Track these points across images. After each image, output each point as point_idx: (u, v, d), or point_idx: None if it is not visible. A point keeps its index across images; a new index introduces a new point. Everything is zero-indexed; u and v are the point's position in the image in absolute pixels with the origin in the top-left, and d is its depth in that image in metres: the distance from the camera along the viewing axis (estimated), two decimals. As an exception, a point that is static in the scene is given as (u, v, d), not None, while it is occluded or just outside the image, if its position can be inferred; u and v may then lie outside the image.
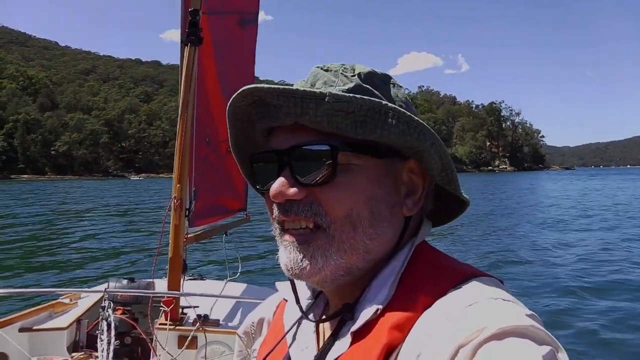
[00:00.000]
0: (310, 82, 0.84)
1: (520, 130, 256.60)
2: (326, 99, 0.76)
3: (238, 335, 1.14)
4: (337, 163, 0.79)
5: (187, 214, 4.17)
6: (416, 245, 0.85)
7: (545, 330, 0.65)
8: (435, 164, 0.85)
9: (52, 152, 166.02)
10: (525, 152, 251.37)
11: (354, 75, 0.85)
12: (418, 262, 0.82)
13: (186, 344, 3.71)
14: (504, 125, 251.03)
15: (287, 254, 0.82)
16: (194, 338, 3.76)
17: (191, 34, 4.11)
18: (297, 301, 0.92)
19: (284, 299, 1.02)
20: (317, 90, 0.77)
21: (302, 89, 0.77)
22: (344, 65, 0.86)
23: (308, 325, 0.92)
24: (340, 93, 0.77)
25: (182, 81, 4.11)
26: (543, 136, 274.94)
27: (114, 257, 15.62)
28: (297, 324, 0.93)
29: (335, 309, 0.87)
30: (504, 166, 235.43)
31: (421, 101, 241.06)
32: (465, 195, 0.93)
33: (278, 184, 0.80)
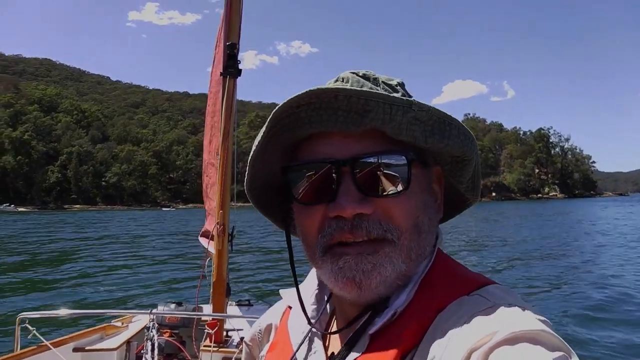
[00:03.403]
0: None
1: (570, 156, 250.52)
2: (412, 107, 0.76)
3: (245, 342, 1.12)
4: (412, 174, 0.78)
5: (229, 239, 4.27)
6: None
7: (558, 336, 0.64)
8: (470, 171, 0.89)
9: (103, 182, 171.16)
10: (575, 179, 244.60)
11: (397, 85, 0.86)
12: (436, 268, 0.83)
13: None
14: (552, 151, 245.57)
15: (351, 267, 0.77)
16: None
17: (229, 66, 4.23)
18: (304, 310, 0.92)
19: (289, 306, 1.02)
20: (404, 98, 0.76)
21: (391, 94, 0.76)
22: (368, 72, 0.86)
23: (316, 331, 0.91)
24: (421, 102, 0.77)
25: (223, 111, 4.25)
26: (594, 162, 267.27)
27: (165, 282, 16.01)
28: (304, 330, 0.91)
29: (348, 316, 0.86)
30: (554, 193, 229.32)
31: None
32: (476, 198, 0.97)
33: (345, 197, 0.76)
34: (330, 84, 0.82)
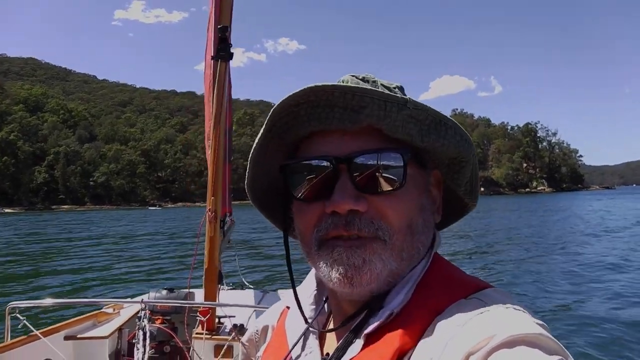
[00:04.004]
0: None
1: (557, 150, 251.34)
2: (407, 104, 0.76)
3: (242, 342, 1.14)
4: (407, 172, 0.79)
5: (221, 225, 4.28)
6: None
7: (555, 339, 0.65)
8: (468, 174, 0.90)
9: (91, 182, 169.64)
10: (563, 173, 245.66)
11: (395, 88, 0.87)
12: (433, 271, 0.83)
13: (222, 353, 3.79)
14: (540, 145, 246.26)
15: (343, 260, 0.77)
16: (230, 347, 3.84)
17: (221, 50, 4.17)
18: (300, 309, 0.92)
19: (287, 306, 1.02)
20: (399, 95, 0.77)
21: (386, 92, 0.76)
22: (367, 75, 0.87)
23: (312, 331, 0.91)
24: (417, 101, 0.78)
25: (214, 96, 4.20)
26: (581, 155, 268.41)
27: (157, 269, 16.02)
28: (301, 330, 0.92)
29: (344, 314, 0.86)
30: (542, 187, 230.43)
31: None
32: (474, 203, 0.97)
33: (341, 193, 0.77)
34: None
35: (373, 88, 0.78)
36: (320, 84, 0.75)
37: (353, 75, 0.87)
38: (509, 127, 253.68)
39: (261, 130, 0.84)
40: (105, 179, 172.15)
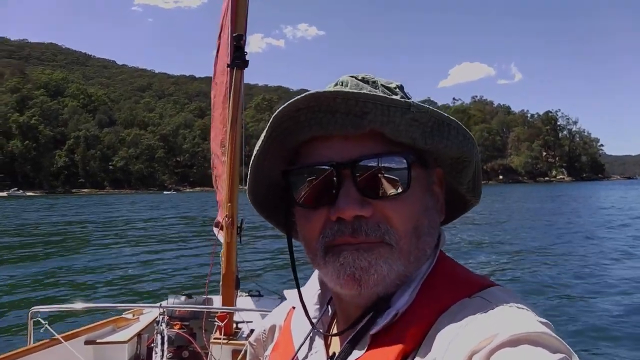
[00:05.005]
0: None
1: (577, 139, 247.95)
2: (410, 109, 0.76)
3: (249, 342, 1.14)
4: (412, 176, 0.79)
5: (238, 231, 4.26)
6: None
7: (559, 338, 0.65)
8: (470, 173, 0.90)
9: (110, 166, 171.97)
10: (583, 162, 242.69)
11: (396, 88, 0.87)
12: (438, 270, 0.83)
13: (239, 357, 3.70)
14: (560, 134, 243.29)
15: (349, 263, 0.77)
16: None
17: (236, 58, 4.21)
18: (306, 312, 0.93)
19: (293, 306, 1.03)
20: (402, 99, 0.77)
21: (388, 96, 0.77)
22: (367, 76, 0.87)
23: (317, 331, 0.92)
24: (420, 104, 0.78)
25: (230, 103, 4.25)
26: (602, 145, 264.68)
27: (177, 274, 16.03)
28: (307, 330, 0.93)
29: (349, 317, 0.86)
30: (562, 176, 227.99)
31: (475, 112, 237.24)
32: (477, 201, 0.97)
33: (345, 199, 0.76)
34: (329, 87, 0.83)
35: (374, 90, 0.80)
36: (322, 90, 0.75)
37: (352, 76, 0.86)
38: (529, 115, 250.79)
39: (262, 136, 0.84)
40: (124, 163, 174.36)
